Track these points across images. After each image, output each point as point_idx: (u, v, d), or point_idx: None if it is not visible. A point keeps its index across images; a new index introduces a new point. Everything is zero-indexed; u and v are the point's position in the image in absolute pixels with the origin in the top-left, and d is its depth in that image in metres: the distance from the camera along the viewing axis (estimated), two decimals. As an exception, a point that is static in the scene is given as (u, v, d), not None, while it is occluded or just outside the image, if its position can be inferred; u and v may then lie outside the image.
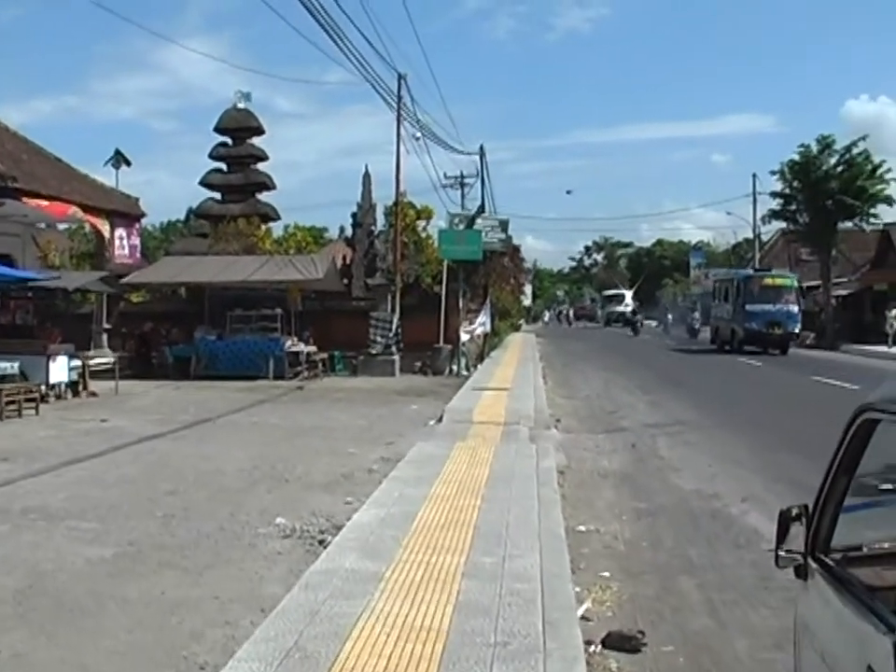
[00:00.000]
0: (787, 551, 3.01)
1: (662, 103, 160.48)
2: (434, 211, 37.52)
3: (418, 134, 30.47)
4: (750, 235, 63.83)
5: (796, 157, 43.98)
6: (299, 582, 6.03)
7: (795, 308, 36.54)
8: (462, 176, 44.50)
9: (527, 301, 72.19)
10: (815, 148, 43.33)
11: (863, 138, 42.86)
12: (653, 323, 67.97)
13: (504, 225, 32.32)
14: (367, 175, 30.89)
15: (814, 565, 2.93)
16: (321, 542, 7.39)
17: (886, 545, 3.00)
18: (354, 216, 31.33)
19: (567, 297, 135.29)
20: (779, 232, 59.62)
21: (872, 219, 43.60)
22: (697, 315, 53.58)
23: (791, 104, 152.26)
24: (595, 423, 16.26)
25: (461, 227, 29.85)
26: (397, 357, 25.42)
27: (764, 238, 63.37)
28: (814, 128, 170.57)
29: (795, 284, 37.90)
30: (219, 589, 6.24)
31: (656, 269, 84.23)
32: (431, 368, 26.02)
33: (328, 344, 25.70)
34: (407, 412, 16.93)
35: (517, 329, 59.77)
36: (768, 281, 37.86)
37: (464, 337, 27.43)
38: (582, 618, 5.76)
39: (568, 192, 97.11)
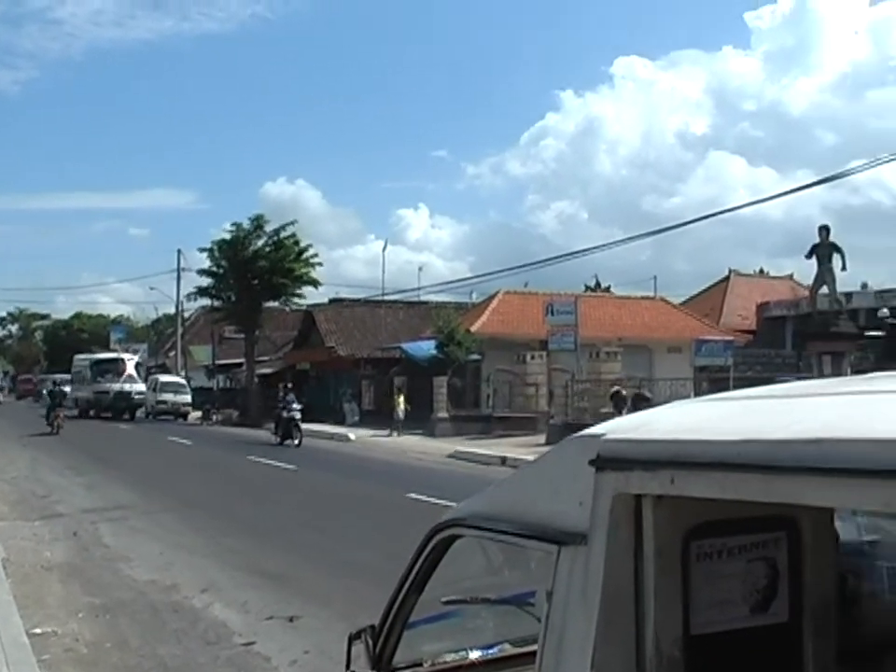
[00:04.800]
0: None
1: (84, 171, 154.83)
2: None
3: None
4: (171, 311, 64.15)
5: (227, 236, 45.42)
6: None
7: None
8: None
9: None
10: (247, 227, 45.09)
11: (293, 222, 45.57)
12: None
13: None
14: None
15: None
16: None
17: (448, 658, 3.03)
18: None
19: None
20: (201, 309, 60.50)
21: (297, 300, 46.45)
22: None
23: (211, 181, 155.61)
24: (27, 508, 15.50)
25: None
26: None
27: (187, 314, 64.12)
28: (234, 207, 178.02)
29: None
30: None
31: (75, 342, 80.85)
32: None
33: None
34: None
35: None
36: None
37: None
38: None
39: None
